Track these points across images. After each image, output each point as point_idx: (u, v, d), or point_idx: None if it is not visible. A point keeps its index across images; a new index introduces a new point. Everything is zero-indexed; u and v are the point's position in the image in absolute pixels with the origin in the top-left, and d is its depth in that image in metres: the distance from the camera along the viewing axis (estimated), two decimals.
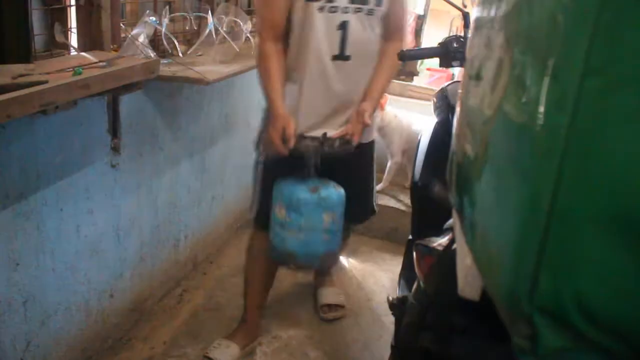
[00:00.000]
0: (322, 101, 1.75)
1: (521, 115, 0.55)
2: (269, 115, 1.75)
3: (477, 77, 0.70)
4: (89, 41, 1.58)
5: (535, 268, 0.52)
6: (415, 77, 3.64)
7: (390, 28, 1.77)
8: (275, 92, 1.71)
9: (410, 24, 3.80)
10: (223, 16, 2.04)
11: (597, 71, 0.47)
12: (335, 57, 1.71)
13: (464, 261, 0.73)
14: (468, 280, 0.73)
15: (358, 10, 1.69)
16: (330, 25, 1.68)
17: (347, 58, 1.72)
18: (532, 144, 0.52)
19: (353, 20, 1.69)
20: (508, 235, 0.55)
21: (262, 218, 1.83)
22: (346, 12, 1.68)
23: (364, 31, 1.71)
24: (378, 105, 1.82)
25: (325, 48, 1.70)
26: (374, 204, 2.06)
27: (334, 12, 1.67)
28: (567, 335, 0.53)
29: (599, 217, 0.49)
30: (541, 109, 0.51)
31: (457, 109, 0.80)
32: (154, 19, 1.73)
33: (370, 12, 1.70)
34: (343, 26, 1.69)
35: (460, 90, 0.82)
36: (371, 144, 1.96)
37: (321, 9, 1.66)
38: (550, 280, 0.51)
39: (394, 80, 3.47)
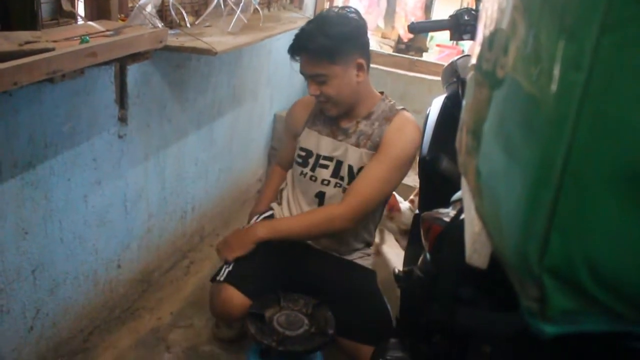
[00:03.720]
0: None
1: (535, 75, 0.54)
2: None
3: (490, 40, 0.69)
4: (96, 10, 1.57)
5: (546, 229, 0.51)
6: (424, 53, 3.62)
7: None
8: (263, 197, 2.09)
9: None
10: None
11: (615, 28, 0.46)
12: None
13: (473, 229, 0.73)
14: (476, 248, 0.73)
15: (338, 185, 1.80)
16: (308, 191, 1.84)
17: None
18: (546, 102, 0.51)
19: (331, 192, 1.80)
20: (519, 196, 0.54)
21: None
22: (325, 184, 1.81)
23: None
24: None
25: (305, 207, 1.86)
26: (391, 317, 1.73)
27: (314, 181, 1.82)
28: (576, 298, 0.52)
29: (612, 177, 0.48)
30: (556, 68, 0.50)
31: (469, 76, 0.79)
32: None
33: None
34: (319, 195, 1.82)
35: (472, 61, 0.81)
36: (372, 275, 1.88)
37: (303, 174, 1.84)
38: (561, 241, 0.51)
39: (403, 55, 3.45)
